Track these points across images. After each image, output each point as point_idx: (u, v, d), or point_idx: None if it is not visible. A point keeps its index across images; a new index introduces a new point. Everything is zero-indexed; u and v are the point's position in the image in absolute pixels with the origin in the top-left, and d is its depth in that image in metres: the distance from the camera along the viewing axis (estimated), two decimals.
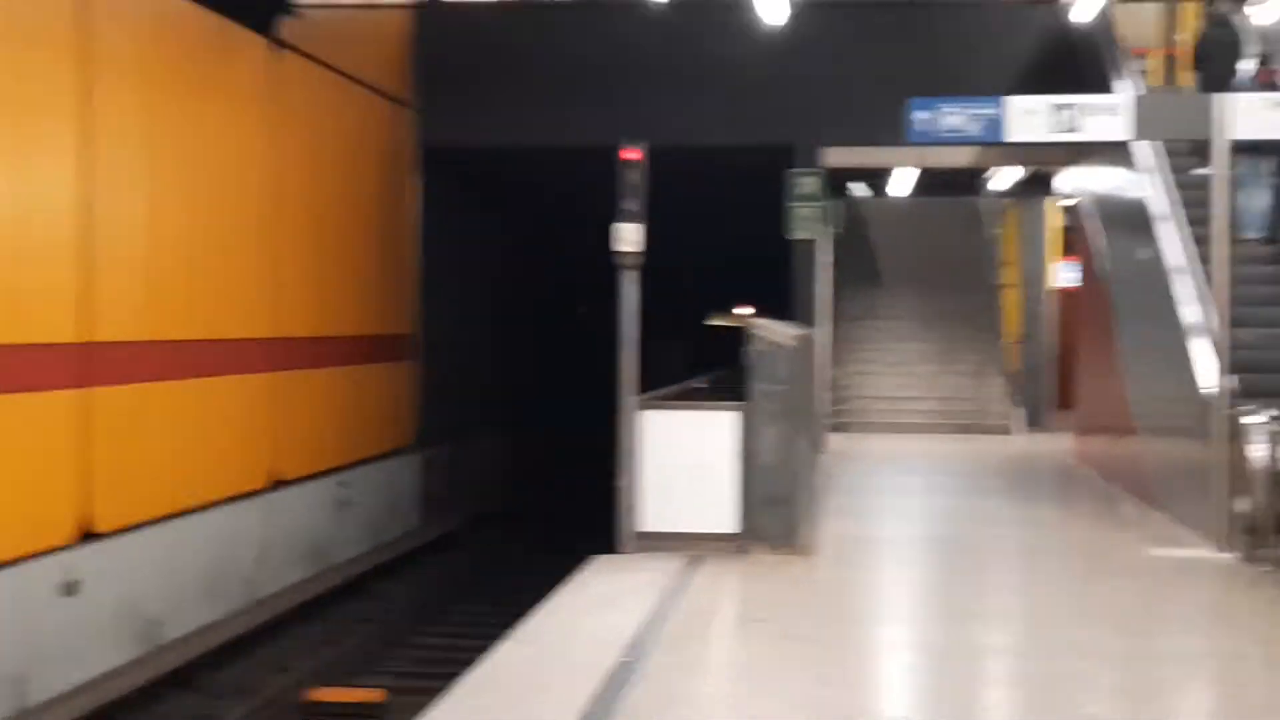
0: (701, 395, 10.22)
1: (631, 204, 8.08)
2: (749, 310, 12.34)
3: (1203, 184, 9.15)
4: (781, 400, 8.08)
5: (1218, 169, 8.34)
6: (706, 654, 6.24)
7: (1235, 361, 8.51)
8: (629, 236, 8.06)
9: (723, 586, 7.37)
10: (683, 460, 8.10)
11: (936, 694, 5.60)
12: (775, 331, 8.45)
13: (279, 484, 10.50)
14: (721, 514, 7.99)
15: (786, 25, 13.12)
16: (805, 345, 13.14)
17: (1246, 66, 11.21)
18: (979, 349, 18.76)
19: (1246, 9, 12.40)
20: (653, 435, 8.09)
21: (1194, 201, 10.06)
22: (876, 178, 19.09)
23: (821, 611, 6.97)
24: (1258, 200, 10.95)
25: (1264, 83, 11.29)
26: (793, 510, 8.05)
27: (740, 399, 8.16)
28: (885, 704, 5.56)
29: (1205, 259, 9.06)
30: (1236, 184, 9.92)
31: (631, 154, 7.97)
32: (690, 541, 7.99)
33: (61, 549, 7.36)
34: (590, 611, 6.76)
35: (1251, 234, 10.70)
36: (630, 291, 8.29)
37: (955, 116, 8.32)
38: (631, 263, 8.17)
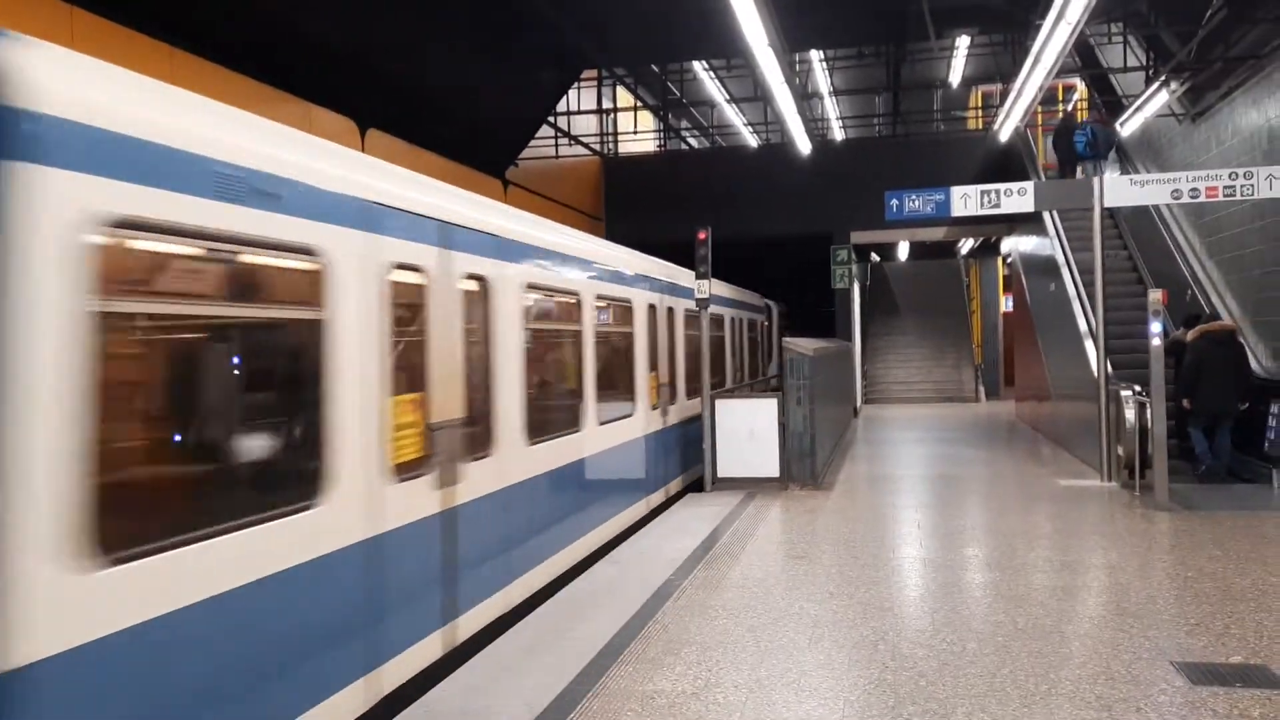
0: (762, 385, 14.19)
1: (701, 267, 11.64)
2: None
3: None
4: (806, 389, 11.67)
5: (1095, 227, 11.72)
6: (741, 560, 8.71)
7: (1110, 351, 11.95)
8: (701, 287, 11.72)
9: (765, 513, 10.13)
10: (743, 430, 11.54)
11: (900, 585, 7.76)
12: (800, 345, 12.16)
13: None
14: (769, 464, 11.52)
15: (826, 156, 19.76)
16: (842, 352, 17.79)
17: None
18: (956, 350, 27.30)
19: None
20: (723, 415, 11.63)
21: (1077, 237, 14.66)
22: (888, 249, 27.04)
23: (826, 530, 9.25)
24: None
25: (1099, 120, 15.50)
26: (815, 461, 11.72)
27: (779, 389, 11.94)
28: (848, 588, 7.61)
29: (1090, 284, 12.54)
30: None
31: (701, 235, 11.57)
32: (750, 483, 11.56)
33: None
34: (667, 537, 8.91)
35: None
36: (705, 320, 12.11)
37: (915, 201, 11.88)
38: (702, 305, 11.78)
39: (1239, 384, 11.50)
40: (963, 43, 21.69)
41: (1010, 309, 24.68)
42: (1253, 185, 10.98)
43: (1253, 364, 12.34)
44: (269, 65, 10.70)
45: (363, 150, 11.71)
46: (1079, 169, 15.79)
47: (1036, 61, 12.25)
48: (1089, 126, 15.75)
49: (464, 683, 5.28)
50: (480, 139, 15.89)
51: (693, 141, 30.91)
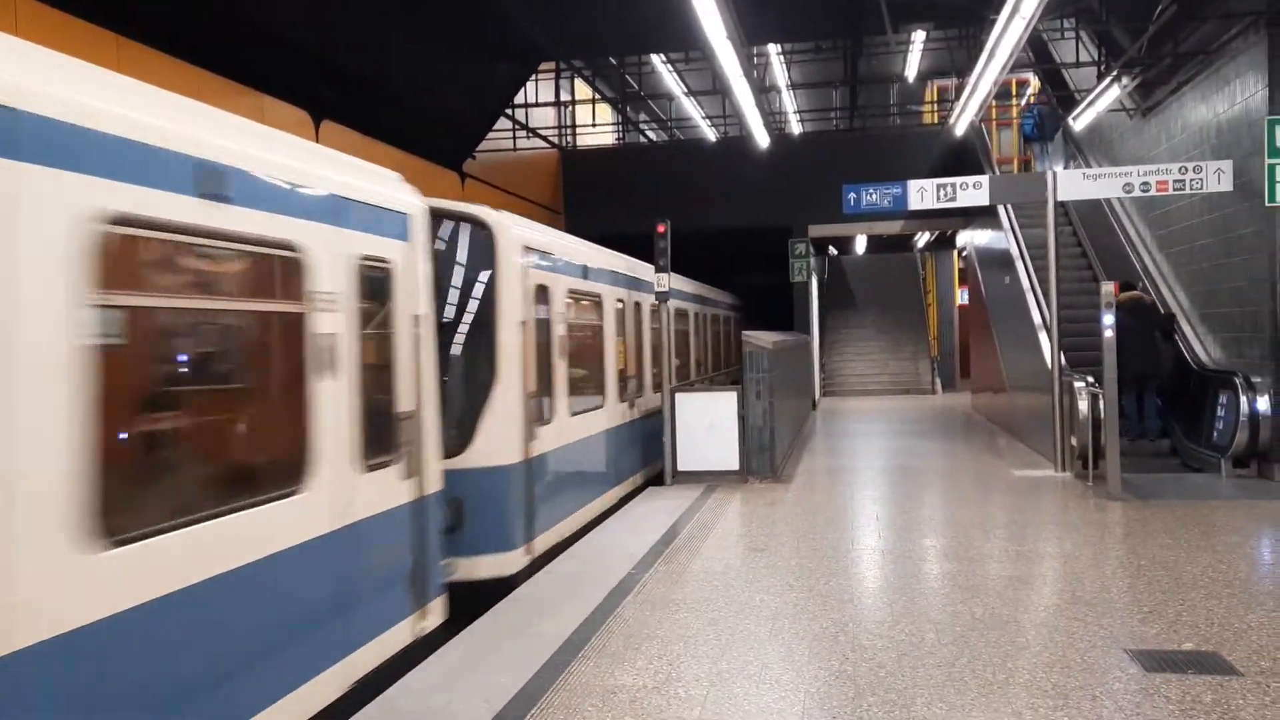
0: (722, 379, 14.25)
1: (661, 260, 11.73)
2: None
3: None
4: (765, 383, 11.73)
5: (1049, 220, 11.87)
6: (705, 547, 8.87)
7: (1064, 343, 12.20)
8: (661, 280, 11.81)
9: (725, 506, 10.25)
10: (703, 423, 11.58)
11: (857, 571, 8.13)
12: (760, 338, 12.19)
13: None
14: (729, 457, 11.58)
15: (784, 150, 19.93)
16: (800, 345, 17.80)
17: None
18: (913, 342, 27.54)
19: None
20: (683, 409, 11.68)
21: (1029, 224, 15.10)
22: (846, 242, 27.23)
23: (786, 522, 9.34)
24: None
25: (1044, 103, 15.94)
26: (774, 454, 11.79)
27: (738, 383, 11.97)
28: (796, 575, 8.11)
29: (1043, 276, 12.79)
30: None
31: (660, 228, 11.65)
32: (710, 476, 11.60)
33: None
34: (628, 531, 8.94)
35: None
36: (666, 314, 12.13)
37: (873, 195, 11.96)
38: (662, 299, 11.85)
39: (1156, 345, 12.34)
40: (919, 37, 21.86)
41: (965, 302, 24.98)
42: (1201, 180, 11.17)
43: (1201, 355, 12.58)
44: (220, 56, 10.51)
45: (317, 141, 11.54)
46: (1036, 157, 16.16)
47: (991, 56, 12.34)
48: (1036, 109, 16.10)
49: (425, 679, 5.22)
50: (437, 131, 15.77)
51: (651, 135, 30.87)
